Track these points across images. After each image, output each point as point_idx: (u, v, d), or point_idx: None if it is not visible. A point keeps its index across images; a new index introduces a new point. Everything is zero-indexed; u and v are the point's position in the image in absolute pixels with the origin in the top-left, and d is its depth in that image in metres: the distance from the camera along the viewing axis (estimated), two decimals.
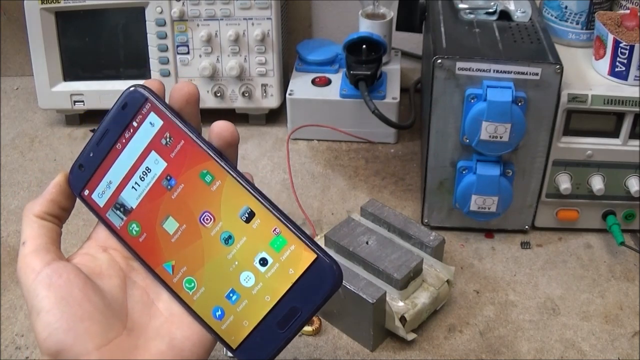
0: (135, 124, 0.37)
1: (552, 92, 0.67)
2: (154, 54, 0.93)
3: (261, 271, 0.35)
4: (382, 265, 0.64)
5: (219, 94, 0.95)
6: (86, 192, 0.39)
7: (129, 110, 0.37)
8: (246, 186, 0.35)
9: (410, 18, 0.92)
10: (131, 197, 0.38)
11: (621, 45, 0.69)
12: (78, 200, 0.40)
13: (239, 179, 0.36)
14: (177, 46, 0.93)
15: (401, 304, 0.63)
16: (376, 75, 0.90)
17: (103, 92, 0.96)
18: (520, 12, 0.75)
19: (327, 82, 0.96)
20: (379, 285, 0.62)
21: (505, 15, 0.75)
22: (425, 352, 0.64)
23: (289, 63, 1.03)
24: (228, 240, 0.35)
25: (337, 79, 0.96)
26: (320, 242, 0.69)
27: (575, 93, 0.69)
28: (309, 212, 0.81)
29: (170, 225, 0.37)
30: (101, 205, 0.39)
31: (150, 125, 0.36)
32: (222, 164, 0.36)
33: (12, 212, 0.83)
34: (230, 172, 0.36)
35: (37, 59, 0.94)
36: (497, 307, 0.69)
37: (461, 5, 0.77)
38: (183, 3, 0.90)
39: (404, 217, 0.70)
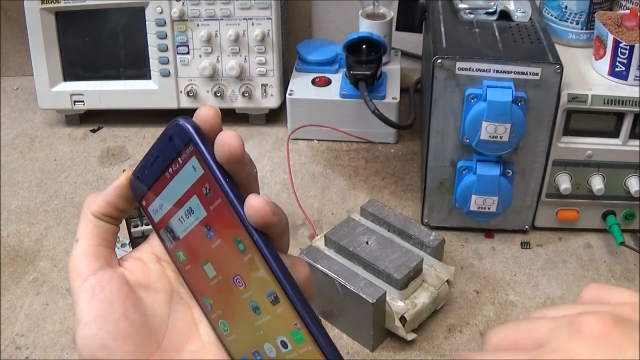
0: (180, 160, 0.35)
1: (552, 92, 0.67)
2: (154, 54, 0.93)
3: (282, 351, 0.35)
4: (382, 265, 0.64)
5: (219, 94, 0.95)
6: (144, 203, 0.38)
7: (175, 144, 0.34)
8: (274, 270, 0.33)
9: (410, 18, 0.92)
10: (179, 228, 0.37)
11: (621, 45, 0.69)
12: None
13: (268, 260, 0.33)
14: (177, 46, 0.93)
15: (401, 304, 0.63)
16: (376, 75, 0.90)
17: (103, 92, 0.96)
18: (520, 12, 0.75)
19: (327, 82, 0.96)
20: (379, 285, 0.62)
21: (505, 15, 0.75)
22: (425, 352, 0.64)
23: (289, 63, 1.03)
24: (256, 310, 0.35)
25: (337, 79, 0.96)
26: (320, 242, 0.69)
27: (575, 93, 0.69)
28: (309, 212, 0.81)
29: (209, 270, 0.36)
30: (156, 221, 0.38)
31: (192, 169, 0.34)
32: (254, 238, 0.33)
33: (12, 212, 0.83)
34: (261, 250, 0.33)
35: (37, 59, 0.94)
36: (497, 307, 0.69)
37: (461, 5, 0.77)
38: (183, 3, 0.90)
39: (404, 217, 0.70)
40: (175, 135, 0.34)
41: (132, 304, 0.36)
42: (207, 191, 0.34)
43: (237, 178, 0.34)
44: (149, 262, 0.38)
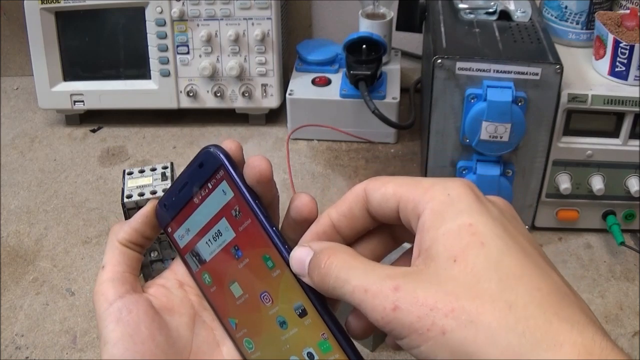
0: (210, 185, 0.37)
1: (552, 92, 0.67)
2: (154, 54, 0.93)
3: None
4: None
5: (219, 94, 0.95)
6: (169, 230, 0.39)
7: (205, 171, 0.36)
8: (302, 285, 0.35)
9: (410, 18, 0.92)
10: (205, 251, 0.38)
11: (621, 45, 0.69)
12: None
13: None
14: (177, 46, 0.93)
15: None
16: (376, 75, 0.90)
17: (103, 92, 0.96)
18: (520, 12, 0.75)
19: (327, 82, 0.96)
20: None
21: (505, 15, 0.75)
22: None
23: (289, 63, 1.03)
24: (283, 324, 0.36)
25: (337, 79, 0.96)
26: None
27: (575, 93, 0.69)
28: None
29: (236, 290, 0.38)
30: (181, 247, 0.39)
31: (222, 193, 0.36)
32: (284, 255, 0.35)
33: (12, 212, 0.83)
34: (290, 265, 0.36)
35: (37, 59, 0.94)
36: None
37: (461, 5, 0.77)
38: (183, 3, 0.90)
39: None
40: (206, 162, 0.36)
41: (157, 327, 0.37)
42: (237, 213, 0.36)
43: (264, 200, 0.36)
44: (172, 287, 0.40)
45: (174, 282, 0.40)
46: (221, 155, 0.36)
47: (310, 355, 0.35)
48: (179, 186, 0.38)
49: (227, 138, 0.37)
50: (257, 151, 0.94)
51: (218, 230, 0.37)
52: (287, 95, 0.94)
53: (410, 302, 0.28)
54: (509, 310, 0.27)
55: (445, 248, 0.29)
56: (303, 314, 0.35)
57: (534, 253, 0.30)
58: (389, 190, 0.33)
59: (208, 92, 0.95)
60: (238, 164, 0.36)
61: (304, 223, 0.37)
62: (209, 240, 0.37)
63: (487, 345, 0.27)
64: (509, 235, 0.30)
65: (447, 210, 0.31)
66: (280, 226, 0.38)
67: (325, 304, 0.35)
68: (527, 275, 0.28)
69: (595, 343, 0.27)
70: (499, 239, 0.29)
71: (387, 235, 0.37)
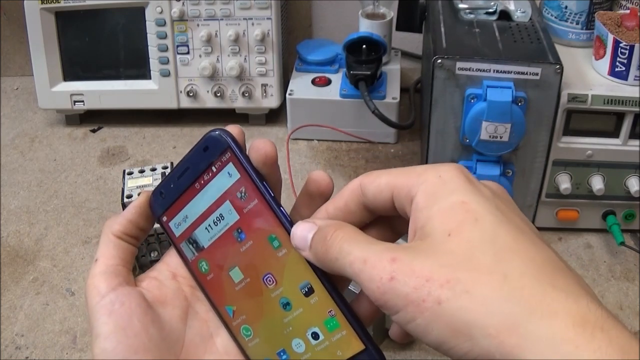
0: (214, 169, 0.36)
1: (552, 92, 0.67)
2: (154, 54, 0.93)
3: (312, 343, 0.36)
4: None
5: (219, 94, 0.95)
6: (164, 219, 0.39)
7: (210, 154, 0.36)
8: (310, 262, 0.35)
9: (410, 18, 0.92)
10: (204, 237, 0.38)
11: (621, 45, 0.69)
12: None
13: None
14: (177, 46, 0.93)
15: None
16: (376, 75, 0.90)
17: (103, 92, 0.96)
18: (520, 12, 0.75)
19: (327, 82, 0.96)
20: None
21: (505, 15, 0.75)
22: (425, 352, 0.64)
23: (289, 63, 1.03)
24: (286, 306, 0.36)
25: (337, 79, 0.96)
26: None
27: (575, 93, 0.69)
28: None
29: (236, 275, 0.37)
30: (177, 235, 0.39)
31: (227, 175, 0.36)
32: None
33: (12, 212, 0.83)
34: None
35: (37, 59, 0.94)
36: None
37: (461, 5, 0.77)
38: (183, 3, 0.90)
39: None
40: (211, 146, 0.36)
41: (150, 320, 0.37)
42: (243, 195, 0.36)
43: (269, 182, 0.37)
44: (165, 279, 0.40)
45: (167, 273, 0.40)
46: (228, 137, 0.36)
47: (315, 335, 0.35)
48: (179, 172, 0.38)
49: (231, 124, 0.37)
50: None
51: (220, 214, 0.37)
52: (287, 95, 0.94)
53: (407, 273, 0.29)
54: (504, 280, 0.28)
55: (440, 223, 0.30)
56: (309, 292, 0.35)
57: (527, 229, 0.31)
58: (383, 181, 0.34)
59: (208, 92, 0.95)
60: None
61: (320, 197, 0.37)
62: (209, 225, 0.37)
63: (483, 314, 0.27)
64: (502, 213, 0.31)
65: (440, 190, 0.31)
66: (293, 205, 0.38)
67: (332, 280, 0.35)
68: (521, 249, 0.29)
69: (590, 311, 0.27)
70: (492, 216, 0.30)
71: (384, 228, 0.37)
